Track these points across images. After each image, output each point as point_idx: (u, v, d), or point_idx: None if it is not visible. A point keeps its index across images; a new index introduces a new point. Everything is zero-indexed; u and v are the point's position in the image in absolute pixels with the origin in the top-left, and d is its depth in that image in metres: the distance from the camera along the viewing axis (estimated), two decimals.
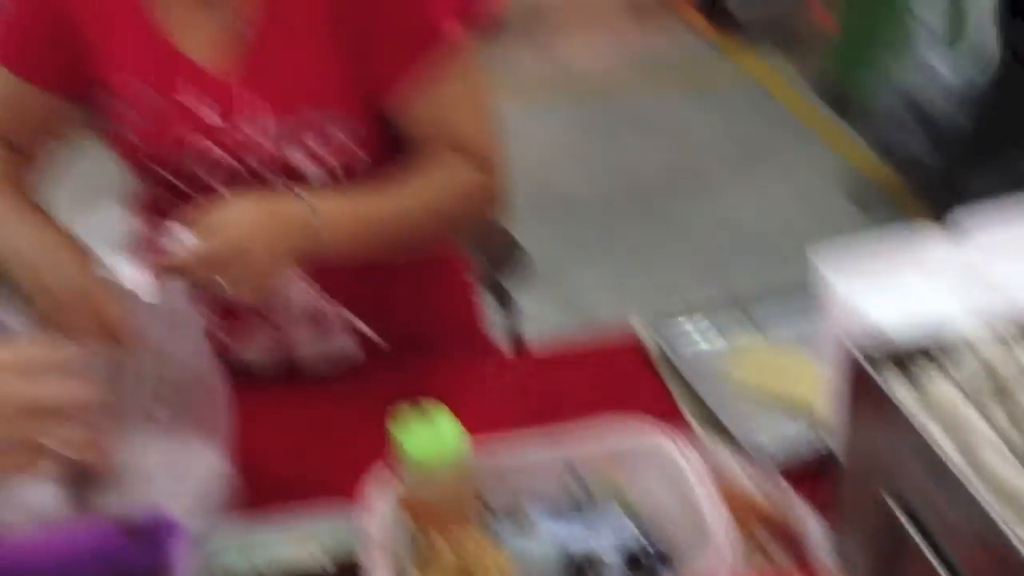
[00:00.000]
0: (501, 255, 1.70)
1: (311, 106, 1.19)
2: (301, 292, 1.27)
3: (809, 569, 0.97)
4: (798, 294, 1.33)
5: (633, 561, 0.96)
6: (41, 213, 1.23)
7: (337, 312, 1.30)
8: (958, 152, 3.11)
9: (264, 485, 1.08)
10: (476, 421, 1.00)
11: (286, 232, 1.09)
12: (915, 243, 1.11)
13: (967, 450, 0.82)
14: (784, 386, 1.24)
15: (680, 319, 1.35)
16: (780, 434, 1.15)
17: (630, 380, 1.29)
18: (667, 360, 1.29)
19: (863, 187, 3.58)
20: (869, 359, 0.86)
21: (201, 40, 1.18)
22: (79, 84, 1.22)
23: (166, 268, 1.05)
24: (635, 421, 1.04)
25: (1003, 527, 0.71)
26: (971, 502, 0.74)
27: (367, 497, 0.98)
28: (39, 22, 1.20)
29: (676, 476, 0.97)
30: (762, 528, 1.00)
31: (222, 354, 1.28)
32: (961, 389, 0.86)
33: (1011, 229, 1.11)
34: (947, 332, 0.89)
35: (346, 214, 1.14)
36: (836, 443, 0.97)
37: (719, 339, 1.34)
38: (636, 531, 0.98)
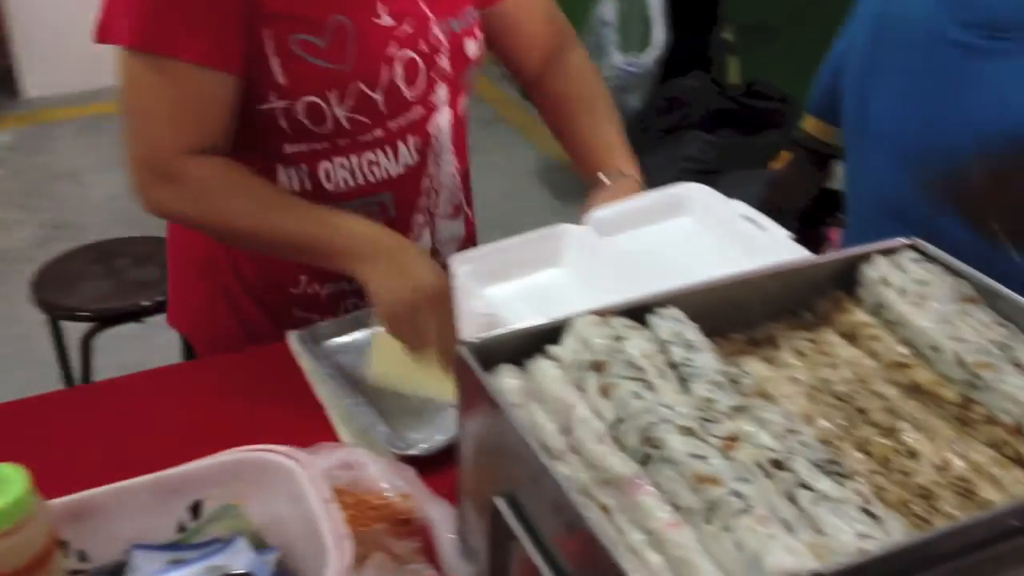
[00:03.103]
0: None
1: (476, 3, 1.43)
2: (453, 180, 1.49)
3: (436, 560, 1.00)
4: None
5: None
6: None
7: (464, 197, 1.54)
8: (638, 136, 3.46)
9: None
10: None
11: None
12: (551, 238, 1.16)
13: (567, 431, 0.86)
14: (423, 378, 1.25)
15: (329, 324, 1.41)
16: (419, 426, 1.20)
17: (279, 391, 1.32)
18: (315, 364, 1.32)
19: (564, 179, 3.73)
20: (477, 352, 0.90)
21: None
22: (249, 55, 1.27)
23: None
24: (256, 448, 1.02)
25: (579, 511, 0.73)
26: (554, 487, 0.76)
27: None
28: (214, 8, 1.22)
29: (298, 496, 0.97)
30: (388, 527, 1.03)
31: None
32: (563, 370, 0.90)
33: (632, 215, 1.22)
34: (561, 319, 0.94)
35: None
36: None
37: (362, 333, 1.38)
38: (263, 562, 0.96)
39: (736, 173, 3.39)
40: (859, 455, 0.90)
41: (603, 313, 0.95)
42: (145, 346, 2.47)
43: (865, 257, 1.06)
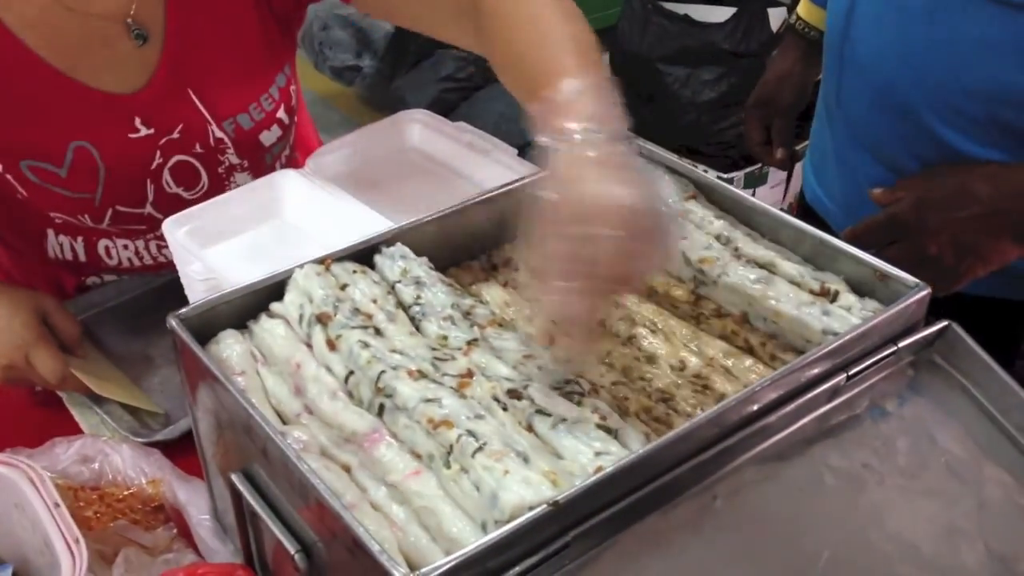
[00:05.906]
0: None
1: (264, 80, 1.20)
2: None
3: (195, 543, 0.97)
4: None
5: None
6: None
7: None
8: (396, 61, 3.59)
9: None
10: None
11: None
12: (269, 187, 1.12)
13: (300, 391, 0.84)
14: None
15: None
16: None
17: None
18: None
19: (325, 109, 3.77)
20: (193, 323, 0.85)
21: (123, 73, 1.12)
22: None
23: None
24: None
25: (307, 477, 0.70)
26: (281, 455, 0.73)
27: None
28: None
29: (24, 505, 0.90)
30: (137, 517, 1.00)
31: None
32: (289, 327, 0.88)
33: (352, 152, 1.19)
34: (280, 272, 0.90)
35: None
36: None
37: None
38: None
39: (495, 86, 3.37)
40: (601, 368, 0.89)
41: (324, 261, 0.90)
42: None
43: None
